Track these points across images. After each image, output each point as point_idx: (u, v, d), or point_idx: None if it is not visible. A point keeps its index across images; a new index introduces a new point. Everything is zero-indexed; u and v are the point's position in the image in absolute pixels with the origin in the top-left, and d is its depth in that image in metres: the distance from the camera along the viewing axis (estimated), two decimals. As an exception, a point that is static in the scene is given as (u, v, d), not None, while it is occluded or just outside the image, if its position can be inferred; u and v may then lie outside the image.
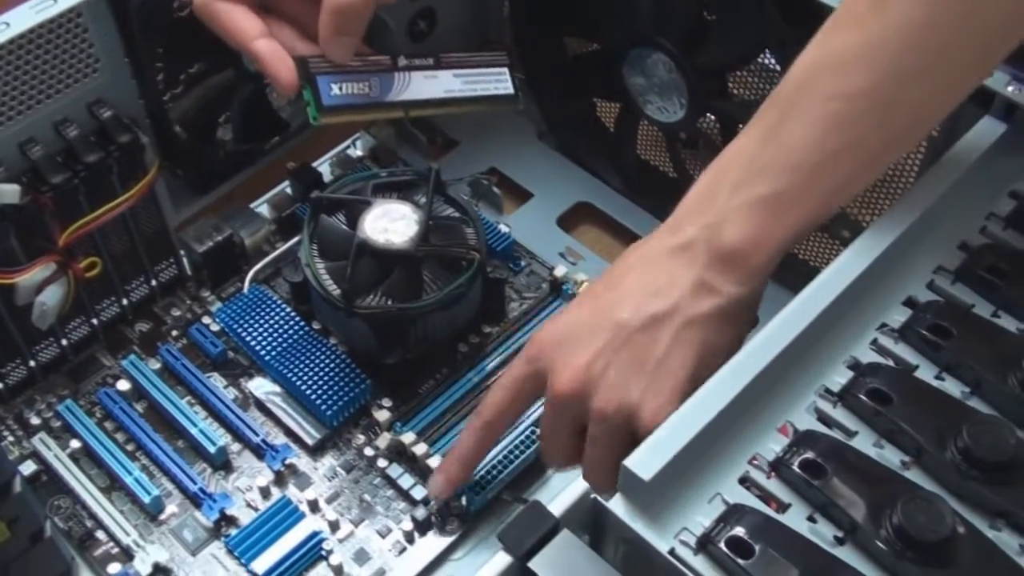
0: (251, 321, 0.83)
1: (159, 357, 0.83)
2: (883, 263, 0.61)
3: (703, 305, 0.61)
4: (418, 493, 0.77)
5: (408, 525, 0.76)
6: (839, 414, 0.58)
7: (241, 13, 0.70)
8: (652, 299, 0.61)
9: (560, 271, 0.87)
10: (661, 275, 0.61)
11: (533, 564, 0.54)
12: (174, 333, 0.86)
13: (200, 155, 0.85)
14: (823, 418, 0.58)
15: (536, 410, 0.79)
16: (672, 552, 0.54)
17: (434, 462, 0.76)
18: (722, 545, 0.53)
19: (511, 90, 0.77)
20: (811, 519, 0.55)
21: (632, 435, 0.60)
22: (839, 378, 0.59)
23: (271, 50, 0.70)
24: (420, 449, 0.77)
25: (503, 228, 0.90)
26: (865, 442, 0.57)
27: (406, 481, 0.77)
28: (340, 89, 0.71)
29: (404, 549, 0.75)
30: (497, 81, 0.76)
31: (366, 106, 0.73)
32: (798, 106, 0.60)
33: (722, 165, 0.62)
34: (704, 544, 0.54)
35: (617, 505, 0.55)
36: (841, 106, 0.59)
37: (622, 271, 0.64)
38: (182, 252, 0.87)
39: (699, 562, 0.53)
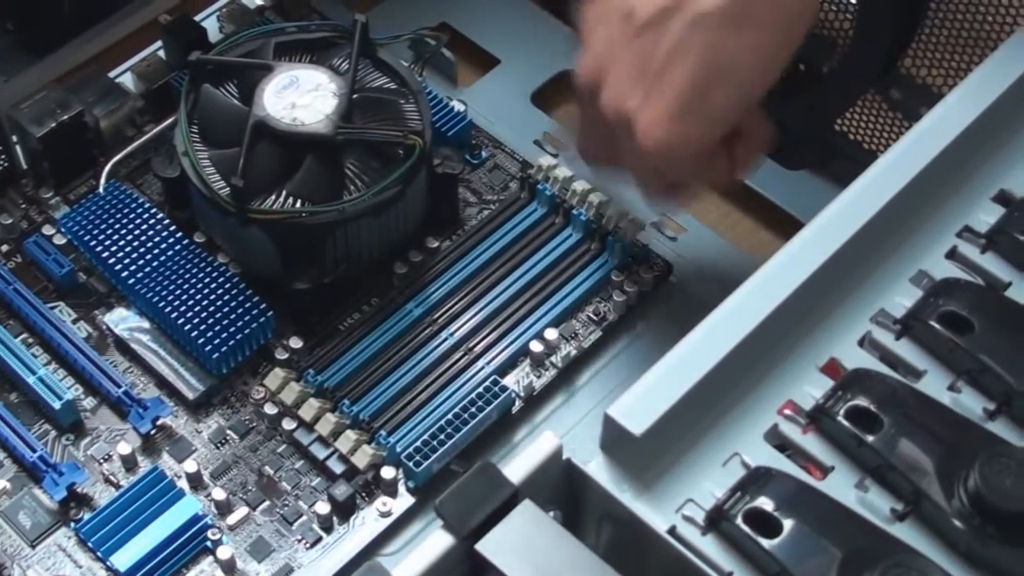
0: (109, 232, 0.83)
1: (-17, 280, 0.84)
2: (968, 142, 0.62)
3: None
4: (337, 466, 0.77)
5: (324, 508, 0.76)
6: (902, 347, 0.59)
7: None
8: None
9: (535, 165, 0.87)
10: None
11: (482, 547, 0.54)
12: (4, 248, 0.86)
13: (40, 1, 0.85)
14: (881, 352, 0.59)
15: (491, 363, 0.80)
16: (673, 531, 0.55)
17: (349, 438, 0.77)
18: (739, 521, 0.54)
19: None
20: (861, 487, 0.55)
21: None
22: (903, 299, 0.60)
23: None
24: (328, 424, 0.77)
25: (457, 106, 0.90)
26: (937, 385, 0.58)
27: (321, 449, 0.78)
28: None
29: (319, 539, 0.76)
30: None
31: None
32: None
33: None
34: (715, 520, 0.55)
35: (599, 469, 0.56)
36: None
37: None
38: (14, 137, 0.87)
39: (708, 544, 0.54)
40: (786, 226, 0.87)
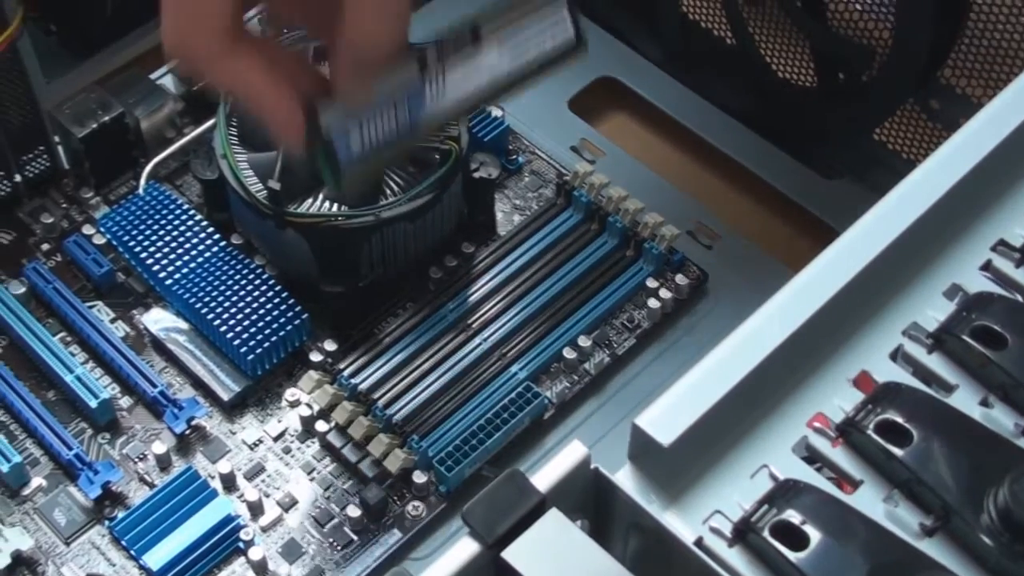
0: (148, 233, 0.83)
1: (24, 279, 0.84)
2: (1006, 154, 0.61)
3: None
4: (369, 470, 0.77)
5: (356, 511, 0.76)
6: (934, 361, 0.58)
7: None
8: None
9: (571, 171, 0.87)
10: None
11: (509, 554, 0.54)
12: (44, 247, 0.86)
13: (82, 3, 0.85)
14: (913, 366, 0.58)
15: (524, 368, 0.80)
16: (699, 543, 0.54)
17: (382, 441, 0.77)
18: (766, 533, 0.53)
19: (571, 35, 0.71)
20: (890, 501, 0.55)
21: None
22: (936, 313, 0.59)
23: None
24: (360, 427, 0.77)
25: (494, 111, 0.90)
26: (968, 400, 0.57)
27: (353, 452, 0.78)
28: (362, 136, 0.69)
29: (350, 542, 0.76)
30: (553, 29, 0.71)
31: (396, 141, 0.70)
32: None
33: None
34: (743, 532, 0.54)
35: (626, 479, 0.56)
36: None
37: None
38: (56, 138, 0.87)
39: (735, 556, 0.54)
40: (823, 235, 0.86)
